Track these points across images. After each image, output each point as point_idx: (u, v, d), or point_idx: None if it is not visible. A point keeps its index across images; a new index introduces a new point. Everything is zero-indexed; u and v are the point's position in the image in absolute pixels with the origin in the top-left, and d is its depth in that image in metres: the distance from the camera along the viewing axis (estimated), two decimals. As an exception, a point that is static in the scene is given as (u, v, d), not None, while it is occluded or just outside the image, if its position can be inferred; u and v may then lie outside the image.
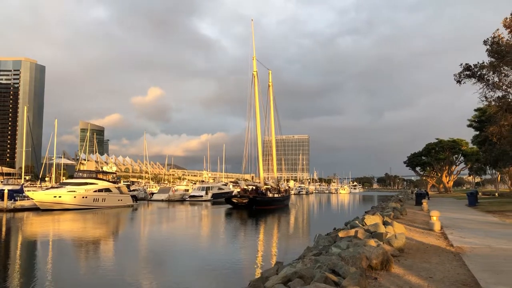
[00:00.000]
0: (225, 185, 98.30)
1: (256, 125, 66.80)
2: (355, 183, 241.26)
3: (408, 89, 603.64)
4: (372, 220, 16.84)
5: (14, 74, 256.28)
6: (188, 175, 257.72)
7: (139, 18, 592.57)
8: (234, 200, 57.35)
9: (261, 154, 66.75)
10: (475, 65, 28.08)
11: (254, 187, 62.50)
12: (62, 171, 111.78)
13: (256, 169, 70.06)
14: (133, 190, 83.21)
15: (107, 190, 56.96)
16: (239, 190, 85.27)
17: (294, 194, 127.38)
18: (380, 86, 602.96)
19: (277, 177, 77.15)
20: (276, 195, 64.29)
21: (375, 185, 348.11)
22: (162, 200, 76.56)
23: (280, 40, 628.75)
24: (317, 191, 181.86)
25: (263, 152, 68.26)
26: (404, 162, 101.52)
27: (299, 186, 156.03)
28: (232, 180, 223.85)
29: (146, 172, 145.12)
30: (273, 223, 38.41)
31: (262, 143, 68.50)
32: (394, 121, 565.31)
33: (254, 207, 54.76)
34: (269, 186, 67.16)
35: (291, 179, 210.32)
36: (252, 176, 73.44)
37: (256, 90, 65.59)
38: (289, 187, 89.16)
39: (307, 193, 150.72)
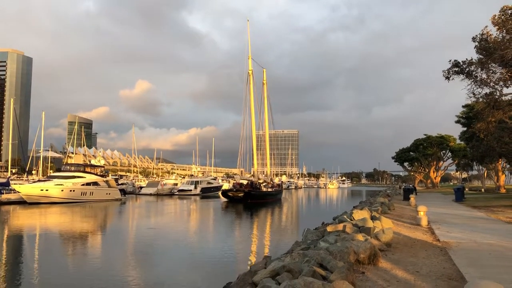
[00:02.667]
0: (214, 179, 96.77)
1: (251, 121, 68.24)
2: (343, 178, 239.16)
3: (397, 85, 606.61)
4: (360, 215, 16.86)
5: (0, 66, 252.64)
6: (177, 169, 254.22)
7: (128, 10, 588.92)
8: (230, 194, 58.46)
9: (255, 149, 67.53)
10: (463, 62, 28.24)
11: (249, 182, 63.28)
12: (49, 164, 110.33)
13: (247, 164, 71.55)
14: (122, 184, 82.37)
15: (95, 183, 56.37)
16: (229, 184, 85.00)
17: (284, 188, 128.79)
18: (369, 82, 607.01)
19: (271, 171, 79.10)
20: (269, 190, 65.78)
21: (364, 180, 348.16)
22: (151, 194, 75.93)
23: (272, 35, 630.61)
24: (306, 186, 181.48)
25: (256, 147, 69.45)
26: (393, 158, 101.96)
27: (289, 181, 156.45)
28: (222, 174, 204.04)
29: (135, 166, 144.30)
30: (265, 217, 38.41)
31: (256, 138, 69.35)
32: (383, 116, 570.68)
33: (249, 200, 55.69)
34: (263, 181, 68.53)
35: (281, 173, 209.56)
36: (242, 171, 71.79)
37: (251, 89, 66.69)
38: (282, 181, 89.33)
39: (296, 188, 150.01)
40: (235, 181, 67.07)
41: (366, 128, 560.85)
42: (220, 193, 69.85)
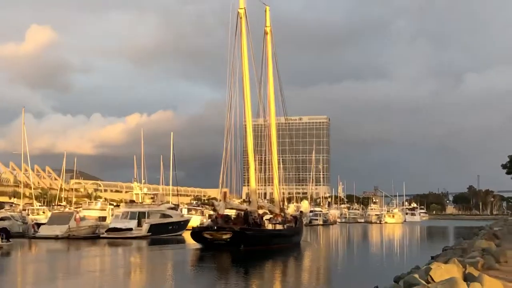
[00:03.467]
0: (174, 208, 63.27)
1: (245, 101, 43.41)
2: (413, 205, 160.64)
3: (510, 34, 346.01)
4: (444, 272, 11.77)
5: None
6: (106, 190, 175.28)
7: None
8: (207, 236, 37.37)
9: (252, 153, 44.51)
10: None
11: (242, 212, 41.99)
12: None
13: (234, 180, 44.74)
14: (3, 219, 54.37)
15: None
16: (203, 218, 59.91)
17: (305, 224, 72.45)
18: (457, 28, 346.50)
19: (281, 193, 51.94)
20: (279, 226, 44.04)
21: (450, 208, 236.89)
22: (57, 237, 48.15)
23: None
24: (344, 219, 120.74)
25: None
26: (504, 167, 69.00)
27: (312, 211, 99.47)
28: (189, 199, 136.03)
29: (27, 185, 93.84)
30: (271, 281, 23.73)
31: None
32: (484, 91, 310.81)
33: (242, 246, 35.99)
34: (267, 210, 47.30)
35: (298, 196, 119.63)
36: (225, 192, 44.95)
37: (243, 41, 43.03)
38: (301, 212, 58.39)
39: (326, 223, 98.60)
40: (214, 213, 43.15)
41: (453, 113, 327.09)
42: (187, 233, 47.72)
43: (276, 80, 49.01)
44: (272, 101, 48.90)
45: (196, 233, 38.96)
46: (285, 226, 44.38)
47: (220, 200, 43.71)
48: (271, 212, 47.23)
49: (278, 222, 44.68)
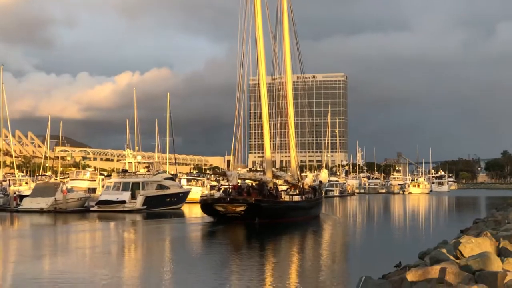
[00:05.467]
0: (172, 179, 58.15)
1: (258, 54, 40.24)
2: (440, 173, 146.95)
3: None
4: (475, 246, 11.58)
5: None
6: (95, 158, 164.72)
7: None
8: (219, 208, 35.30)
9: (267, 115, 41.30)
10: None
11: (257, 183, 39.76)
12: None
13: (240, 148, 41.76)
14: None
15: None
16: (204, 189, 56.90)
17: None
18: None
19: (297, 161, 48.90)
20: (296, 198, 41.78)
21: (482, 176, 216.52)
22: (42, 211, 45.12)
23: None
24: (363, 190, 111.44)
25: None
26: None
27: (330, 180, 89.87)
28: (189, 168, 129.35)
29: (7, 153, 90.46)
30: (288, 257, 22.42)
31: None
32: None
33: (257, 219, 34.39)
34: (284, 181, 44.53)
35: (311, 165, 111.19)
36: (228, 161, 42.34)
37: None
38: (320, 182, 53.28)
39: (344, 194, 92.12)
40: (227, 183, 41.04)
41: (484, 69, 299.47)
42: (186, 206, 46.75)
43: (291, 30, 44.99)
44: (288, 56, 45.24)
45: (207, 206, 36.97)
46: (304, 197, 42.32)
47: (229, 172, 41.68)
48: (287, 182, 44.91)
49: (294, 193, 42.86)
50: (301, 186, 43.89)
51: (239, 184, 38.38)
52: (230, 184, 38.24)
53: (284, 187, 44.57)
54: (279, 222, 35.54)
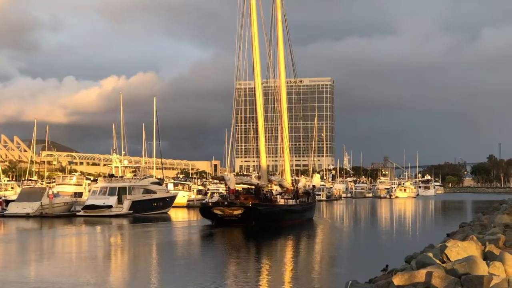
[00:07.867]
0: (158, 183, 58.34)
1: (254, 56, 41.43)
2: (427, 178, 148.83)
3: None
4: (461, 250, 11.52)
5: None
6: (82, 163, 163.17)
7: None
8: (217, 211, 36.79)
9: (262, 119, 42.65)
10: None
11: (253, 187, 41.47)
12: None
13: (228, 154, 42.99)
14: None
15: None
16: (191, 193, 58.38)
17: None
18: None
19: (292, 165, 50.73)
20: (291, 202, 43.35)
21: (468, 181, 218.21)
22: (28, 216, 44.84)
23: None
24: (350, 194, 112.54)
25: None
26: None
27: (321, 185, 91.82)
28: (175, 172, 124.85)
29: None
30: (278, 261, 22.90)
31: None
32: (504, 48, 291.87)
33: (254, 222, 35.74)
34: (277, 185, 45.93)
35: (298, 169, 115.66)
36: (215, 165, 43.87)
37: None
38: (313, 186, 55.03)
39: (330, 199, 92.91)
40: (226, 188, 42.96)
41: (469, 73, 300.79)
42: (173, 211, 48.57)
43: (285, 34, 46.44)
44: (282, 61, 46.53)
45: (206, 209, 38.51)
46: (298, 201, 43.75)
47: (228, 176, 42.63)
48: (281, 186, 46.02)
49: (289, 196, 44.02)
50: (295, 190, 45.25)
51: (234, 188, 39.53)
52: (227, 188, 39.63)
53: (275, 190, 46.00)
54: (274, 225, 36.93)
